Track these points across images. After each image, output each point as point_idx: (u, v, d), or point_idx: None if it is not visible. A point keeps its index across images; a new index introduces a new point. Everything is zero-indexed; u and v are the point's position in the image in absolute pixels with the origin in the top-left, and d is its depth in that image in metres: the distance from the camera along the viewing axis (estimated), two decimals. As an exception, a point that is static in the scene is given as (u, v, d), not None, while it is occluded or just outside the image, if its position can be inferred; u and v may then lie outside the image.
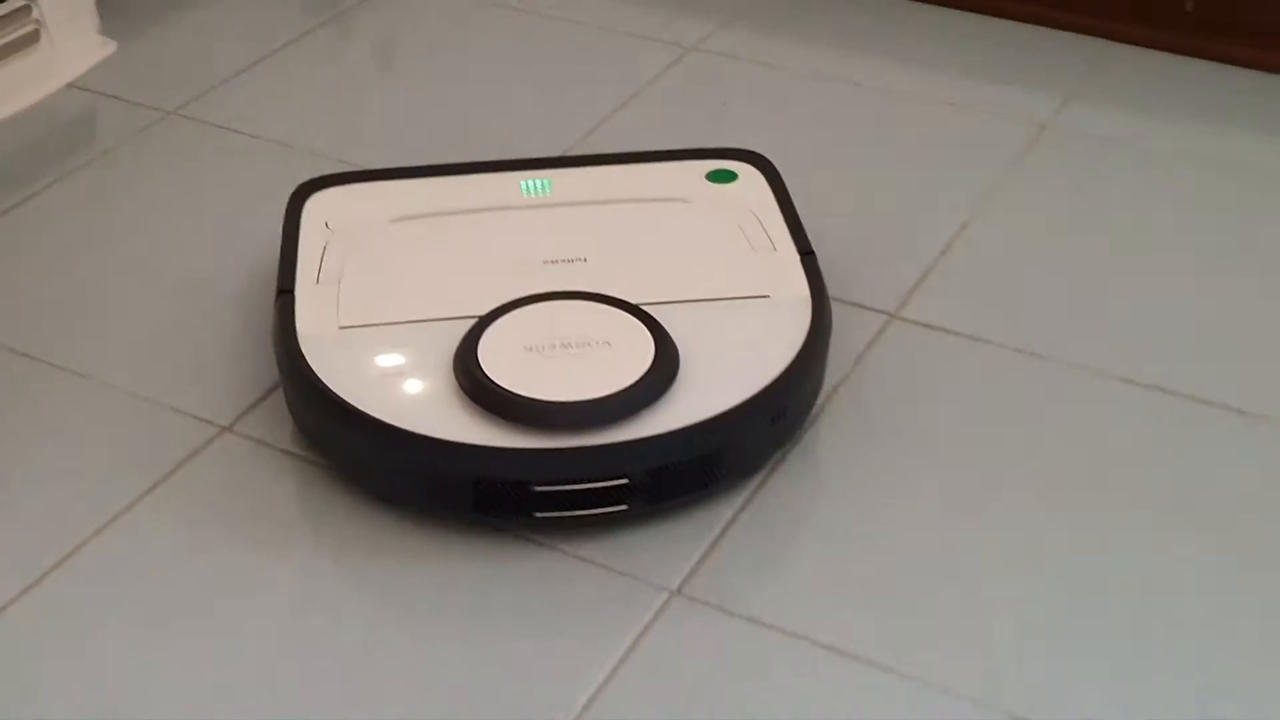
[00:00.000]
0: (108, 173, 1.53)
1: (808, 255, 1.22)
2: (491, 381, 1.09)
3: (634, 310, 1.14)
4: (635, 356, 1.10)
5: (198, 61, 1.69)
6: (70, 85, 1.67)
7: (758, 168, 1.33)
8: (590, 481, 1.07)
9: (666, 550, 1.09)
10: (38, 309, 1.33)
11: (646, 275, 1.19)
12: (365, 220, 1.28)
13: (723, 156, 1.34)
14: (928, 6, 1.76)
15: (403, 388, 1.13)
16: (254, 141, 1.56)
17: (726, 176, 1.31)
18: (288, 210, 1.30)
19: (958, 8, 1.75)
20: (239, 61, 1.69)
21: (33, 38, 1.68)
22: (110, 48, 1.73)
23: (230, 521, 1.11)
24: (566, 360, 1.10)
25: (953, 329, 1.27)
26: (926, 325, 1.28)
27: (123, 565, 1.08)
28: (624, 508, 1.09)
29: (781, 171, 1.33)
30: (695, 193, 1.30)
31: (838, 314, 1.21)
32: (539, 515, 1.09)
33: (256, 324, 1.29)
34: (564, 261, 1.21)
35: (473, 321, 1.15)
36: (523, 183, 1.31)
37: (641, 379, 1.08)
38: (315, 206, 1.30)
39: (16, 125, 1.60)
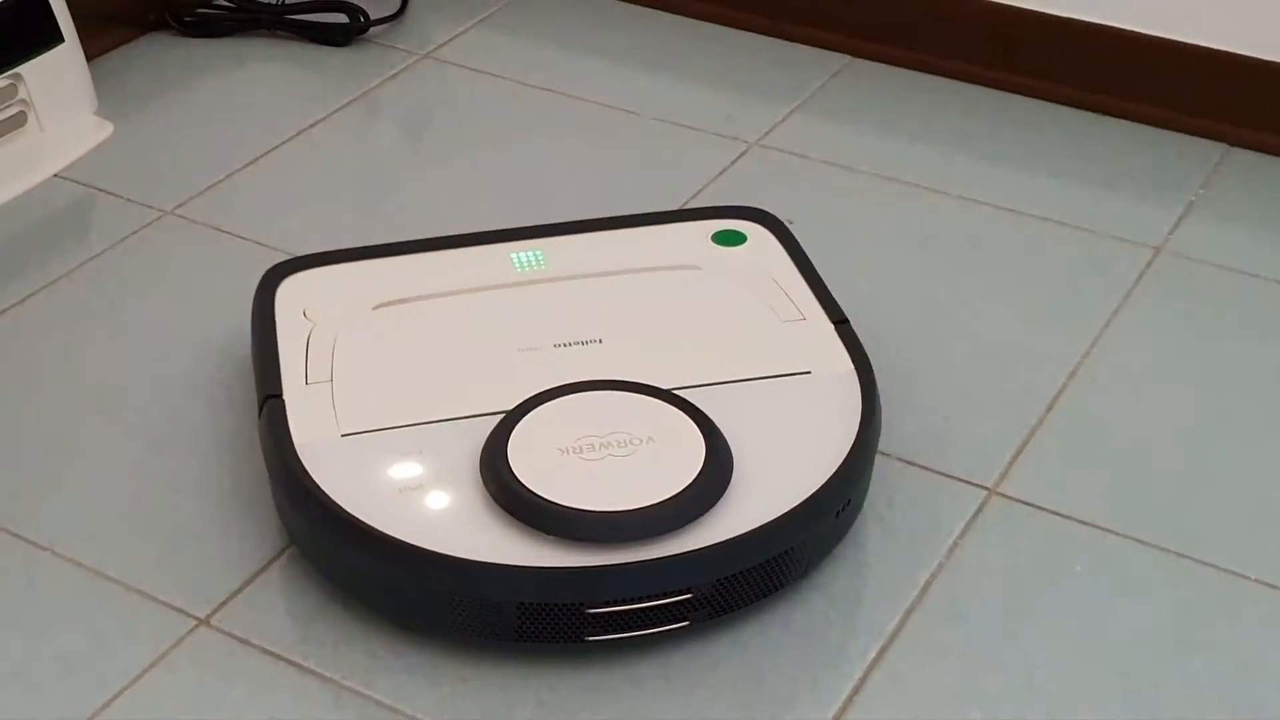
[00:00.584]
0: (89, 285, 1.36)
1: (842, 324, 1.15)
2: (529, 490, 1.00)
3: (672, 399, 1.06)
4: (684, 454, 1.02)
5: (202, 147, 1.51)
6: (60, 175, 1.49)
7: (766, 227, 1.25)
8: (651, 599, 0.98)
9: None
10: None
11: (671, 356, 1.12)
12: (347, 308, 1.17)
13: (726, 215, 1.26)
14: (1025, 100, 1.56)
15: (425, 502, 1.03)
16: (258, 249, 1.38)
17: (734, 239, 1.23)
18: (257, 299, 1.18)
19: (1059, 102, 1.55)
20: (248, 150, 1.52)
21: (19, 120, 1.51)
22: (107, 130, 1.55)
23: None
24: (609, 463, 1.01)
25: (1065, 511, 1.08)
26: (1029, 504, 1.11)
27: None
28: (685, 624, 1.01)
29: (855, 303, 1.19)
30: (703, 258, 1.22)
31: (922, 483, 1.12)
32: (591, 639, 1.00)
33: (247, 485, 1.14)
34: (577, 344, 1.12)
35: (491, 419, 1.05)
36: (514, 255, 1.22)
37: (697, 480, 1.00)
38: (288, 294, 1.19)
39: (15, 214, 1.44)
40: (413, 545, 0.98)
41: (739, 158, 1.51)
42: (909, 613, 1.04)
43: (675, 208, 1.42)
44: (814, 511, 1.02)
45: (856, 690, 0.99)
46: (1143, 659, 1.01)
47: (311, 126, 1.57)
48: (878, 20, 1.65)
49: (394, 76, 1.67)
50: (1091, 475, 1.15)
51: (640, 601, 0.98)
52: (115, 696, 0.99)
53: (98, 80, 1.61)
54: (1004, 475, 1.15)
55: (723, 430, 1.03)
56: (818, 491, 1.02)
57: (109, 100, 1.60)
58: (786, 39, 1.70)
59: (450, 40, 1.73)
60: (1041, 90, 1.59)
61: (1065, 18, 1.55)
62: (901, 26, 1.64)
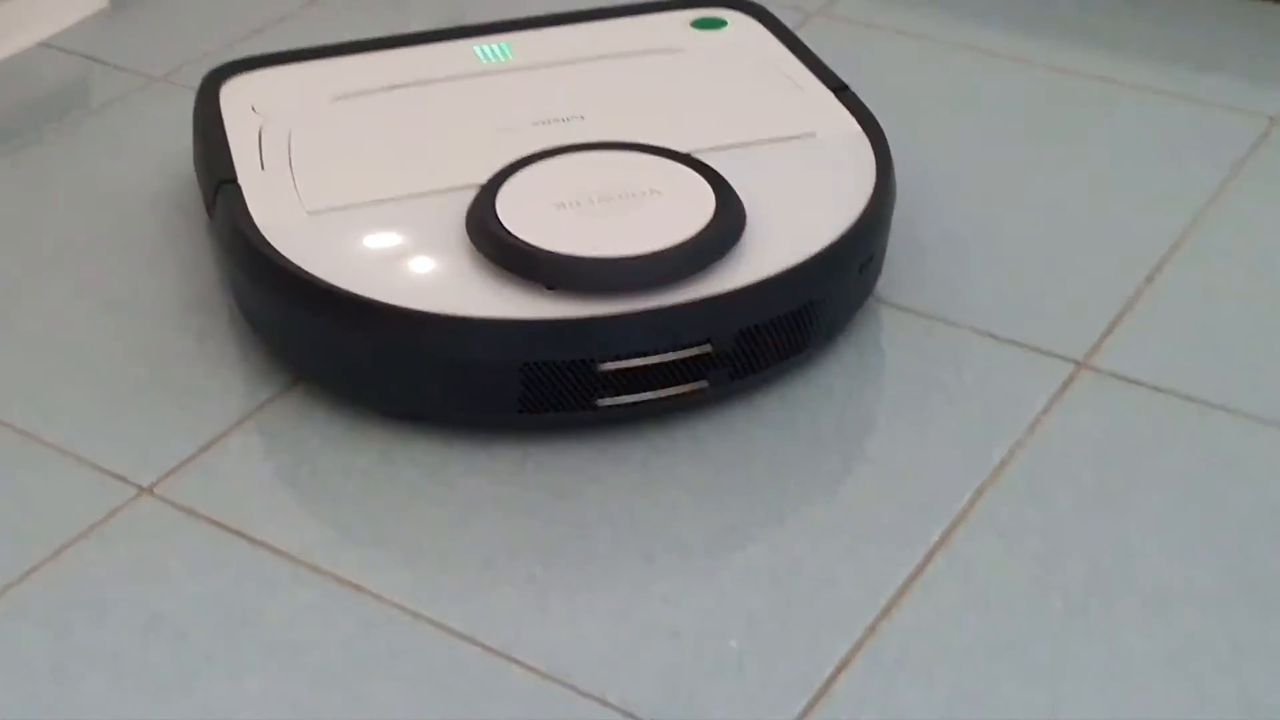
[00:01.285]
0: (61, 148, 1.23)
1: (841, 90, 1.07)
2: (524, 242, 0.90)
3: (672, 154, 0.98)
4: (693, 204, 0.93)
5: (203, 20, 1.39)
6: (48, 44, 1.36)
7: (751, 15, 1.17)
8: (667, 351, 0.89)
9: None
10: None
11: (662, 125, 1.02)
12: (302, 101, 1.09)
13: (706, 4, 1.18)
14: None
15: (409, 268, 0.94)
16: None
17: (715, 24, 1.16)
18: (199, 100, 1.10)
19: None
20: (250, 21, 1.40)
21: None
22: (101, 2, 1.42)
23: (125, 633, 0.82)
24: (612, 214, 0.92)
25: (1166, 386, 0.94)
26: (1125, 378, 0.97)
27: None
28: (704, 384, 0.92)
29: (926, 168, 1.13)
30: (684, 42, 1.14)
31: (999, 355, 1.00)
32: (603, 403, 0.91)
33: (209, 348, 1.01)
34: (558, 121, 1.03)
35: (474, 190, 0.96)
36: (477, 49, 1.13)
37: (709, 225, 0.91)
38: (233, 92, 1.10)
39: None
40: (402, 308, 0.88)
41: (796, 27, 1.34)
42: (979, 492, 0.88)
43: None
44: (834, 261, 0.93)
45: (915, 575, 0.83)
46: (1256, 543, 0.86)
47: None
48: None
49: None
50: (1196, 350, 1.00)
51: (655, 354, 0.88)
52: (35, 567, 0.85)
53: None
54: (1096, 348, 0.99)
55: (743, 194, 0.94)
56: (837, 241, 0.93)
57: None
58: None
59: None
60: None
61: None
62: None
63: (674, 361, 0.89)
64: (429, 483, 0.90)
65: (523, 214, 0.91)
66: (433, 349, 0.89)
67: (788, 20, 1.33)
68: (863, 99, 1.09)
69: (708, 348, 0.89)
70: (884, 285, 1.04)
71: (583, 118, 1.02)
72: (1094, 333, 1.00)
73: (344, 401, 0.95)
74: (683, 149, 0.98)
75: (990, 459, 0.91)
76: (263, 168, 1.00)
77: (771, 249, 0.92)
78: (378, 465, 0.91)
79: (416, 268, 0.93)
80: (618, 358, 0.88)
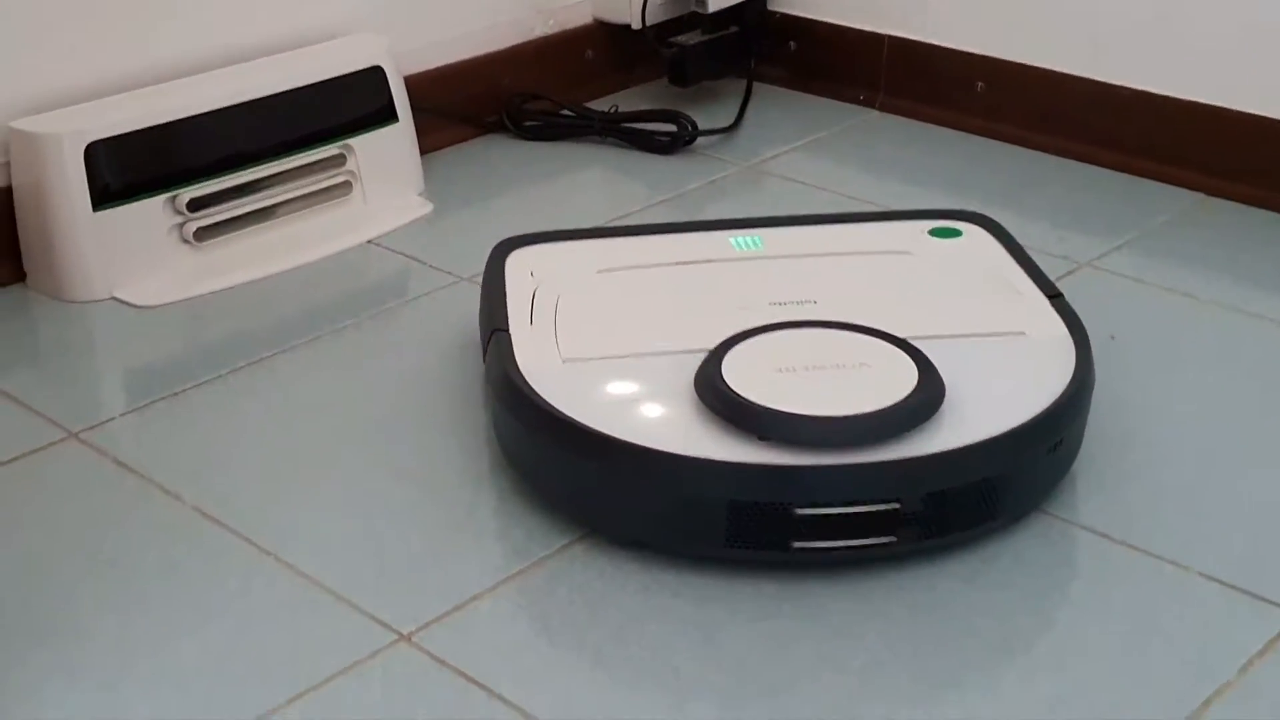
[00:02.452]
0: (373, 333, 1.39)
1: (1056, 297, 1.16)
2: (742, 397, 1.01)
3: (886, 336, 1.07)
4: (897, 377, 1.02)
5: (513, 228, 1.52)
6: (375, 242, 1.52)
7: (983, 227, 1.27)
8: (858, 504, 0.98)
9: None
10: (245, 471, 1.19)
11: (885, 312, 1.11)
12: (572, 270, 1.23)
13: (943, 216, 1.29)
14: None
15: (641, 411, 1.06)
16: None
17: (950, 233, 1.26)
18: (489, 265, 1.26)
19: None
20: None
21: (345, 189, 1.56)
22: (426, 209, 1.60)
23: None
24: (823, 379, 1.02)
25: None
26: None
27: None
28: (892, 539, 1.00)
29: (1171, 419, 1.21)
30: (916, 247, 1.25)
31: (1229, 604, 1.02)
32: (798, 546, 1.00)
33: (475, 519, 1.12)
34: (792, 303, 1.13)
35: (705, 353, 1.07)
36: (733, 239, 1.26)
37: (910, 396, 1.00)
38: (517, 260, 1.26)
39: (325, 270, 1.50)
40: (633, 443, 1.00)
41: (1065, 275, 1.40)
42: (1188, 722, 0.89)
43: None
44: (1024, 438, 1.01)
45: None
46: None
47: (623, 217, 1.56)
48: (1234, 161, 1.53)
49: (712, 182, 1.64)
50: None
51: (847, 505, 0.97)
52: (300, 694, 0.95)
53: (432, 168, 1.66)
54: (1309, 601, 0.99)
55: (952, 376, 1.03)
56: (1029, 421, 1.01)
57: (437, 184, 1.63)
58: (1136, 174, 1.60)
59: (775, 156, 1.70)
60: None
61: None
62: (1258, 167, 1.52)
63: (864, 514, 0.97)
64: (659, 662, 0.97)
65: (743, 373, 1.02)
66: (653, 481, 1.00)
67: (1055, 269, 1.40)
68: (1127, 347, 1.20)
69: (896, 505, 0.96)
70: (1114, 524, 1.07)
71: (815, 302, 1.12)
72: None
73: (593, 572, 1.04)
74: (899, 334, 1.07)
75: (1196, 697, 0.92)
76: (531, 322, 1.14)
77: (966, 424, 0.99)
78: (609, 639, 0.99)
79: (648, 412, 1.04)
80: (813, 505, 0.96)
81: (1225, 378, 1.26)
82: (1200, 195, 1.56)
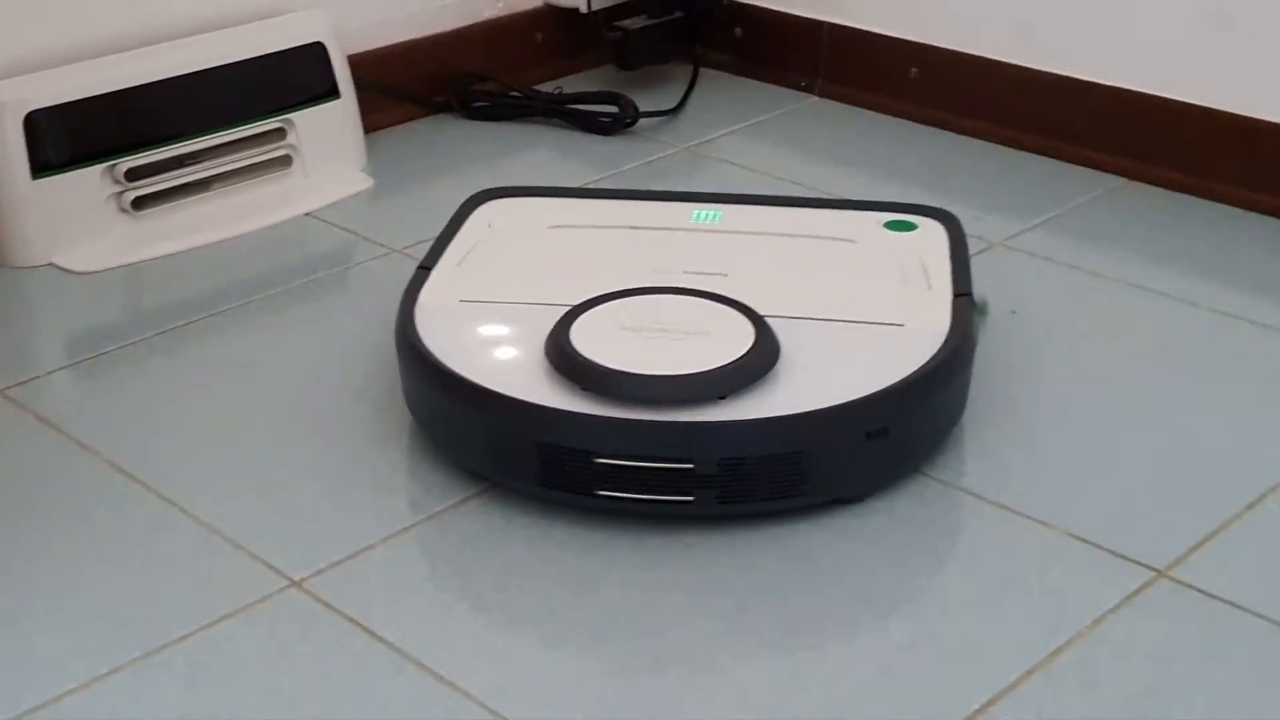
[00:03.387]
0: (301, 300, 1.43)
1: (962, 296, 1.16)
2: (573, 349, 1.06)
3: (746, 310, 1.11)
4: (729, 348, 1.06)
5: (449, 205, 1.56)
6: (312, 215, 1.56)
7: (941, 223, 1.28)
8: (653, 461, 1.02)
9: None
10: (159, 428, 1.23)
11: (780, 292, 1.15)
12: (526, 223, 1.30)
13: (912, 210, 1.30)
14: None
15: (494, 353, 1.14)
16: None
17: (904, 226, 1.27)
18: (457, 211, 1.32)
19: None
20: None
21: (284, 162, 1.59)
22: (366, 184, 1.63)
23: (244, 698, 0.95)
24: (658, 342, 1.07)
25: (1243, 604, 0.97)
26: (1201, 591, 0.99)
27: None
28: (690, 500, 1.04)
29: (1064, 386, 1.23)
30: (866, 236, 1.26)
31: (1085, 558, 1.05)
32: (602, 494, 1.05)
33: (368, 476, 1.16)
34: (703, 274, 1.17)
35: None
36: (696, 211, 1.30)
37: (727, 365, 1.04)
38: (486, 210, 1.33)
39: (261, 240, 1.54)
40: (465, 379, 1.08)
41: (977, 254, 1.43)
42: (1028, 674, 0.92)
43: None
44: (832, 419, 1.03)
45: (946, 736, 0.88)
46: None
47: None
48: (1155, 145, 1.56)
49: (650, 162, 1.68)
50: None
51: (642, 460, 1.01)
52: (190, 633, 1.00)
53: (378, 145, 1.70)
54: (1180, 560, 1.02)
55: (791, 351, 1.07)
56: (838, 405, 1.03)
57: (381, 161, 1.67)
58: (1061, 158, 1.63)
59: (714, 138, 1.73)
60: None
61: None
62: (1179, 151, 1.55)
63: (659, 470, 1.02)
64: (537, 606, 1.01)
65: (592, 329, 1.07)
66: (480, 417, 1.07)
67: (970, 247, 1.43)
68: (1028, 321, 1.23)
69: (690, 466, 1.01)
70: (990, 486, 1.11)
71: (725, 275, 1.16)
72: (1181, 547, 1.03)
73: (484, 525, 1.08)
74: (780, 312, 1.10)
75: (1046, 646, 0.95)
76: (459, 264, 1.22)
77: (779, 400, 1.03)
78: (492, 585, 1.03)
79: (500, 355, 1.12)
80: (612, 455, 1.02)
81: (1119, 350, 1.29)
82: (1122, 179, 1.59)
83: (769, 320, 1.09)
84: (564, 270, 1.20)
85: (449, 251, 1.24)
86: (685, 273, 1.17)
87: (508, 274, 1.21)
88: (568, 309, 1.11)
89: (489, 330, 1.15)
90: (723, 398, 1.03)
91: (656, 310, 1.10)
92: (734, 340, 1.06)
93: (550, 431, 1.03)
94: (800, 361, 1.06)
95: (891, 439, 1.06)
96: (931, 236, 1.25)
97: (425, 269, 1.22)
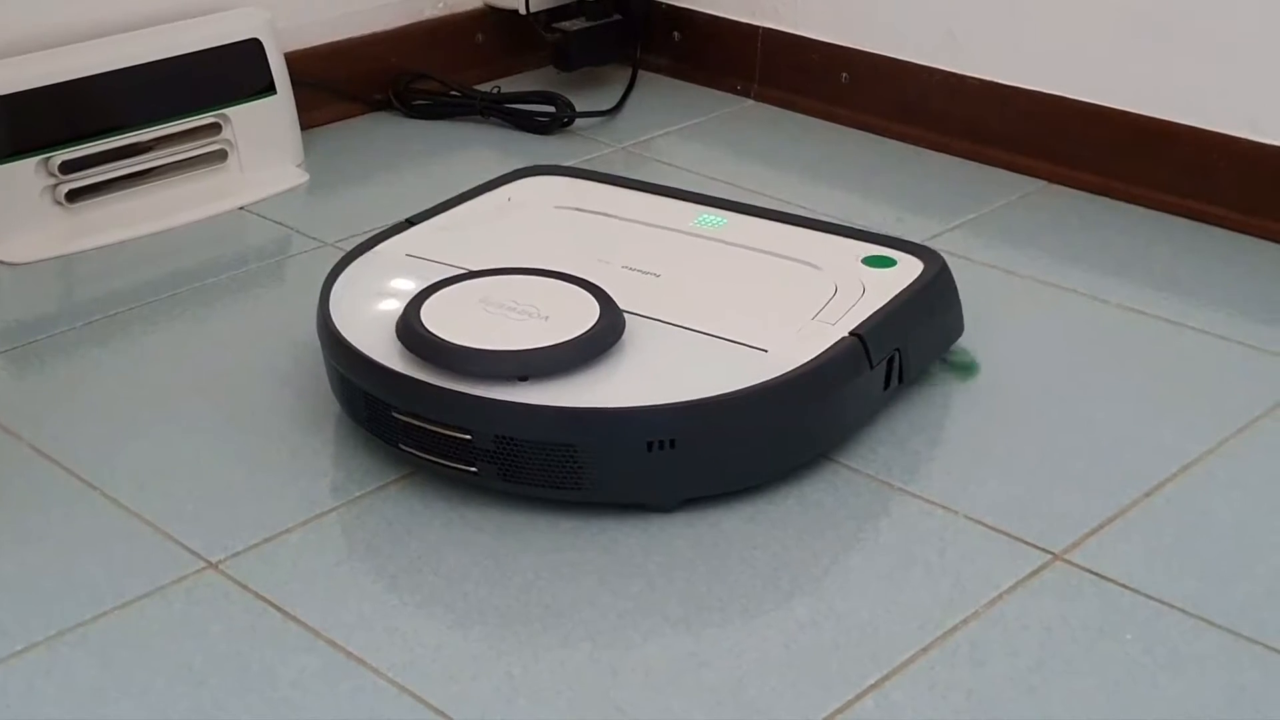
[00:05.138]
0: (234, 291, 1.45)
1: (853, 336, 1.14)
2: (412, 313, 1.13)
3: (607, 305, 1.14)
4: (557, 334, 1.10)
5: (383, 202, 1.61)
6: (247, 209, 1.57)
7: (923, 262, 1.25)
8: (437, 425, 1.08)
9: None
10: (85, 415, 1.24)
11: (683, 299, 1.18)
12: (537, 201, 1.35)
13: (899, 247, 1.28)
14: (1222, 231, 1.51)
15: (376, 303, 1.20)
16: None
17: (883, 262, 1.25)
18: (490, 180, 1.39)
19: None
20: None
21: (219, 156, 1.61)
22: (301, 179, 1.65)
23: (156, 675, 0.96)
24: (497, 318, 1.12)
25: (1133, 585, 1.00)
26: (1094, 573, 1.02)
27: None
28: (474, 470, 1.09)
29: (979, 380, 1.26)
30: (835, 264, 1.25)
31: (983, 541, 1.07)
32: (404, 449, 1.12)
33: (288, 463, 1.18)
34: (638, 271, 1.22)
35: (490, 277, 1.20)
36: (704, 215, 1.33)
37: (533, 349, 1.08)
38: (517, 185, 1.39)
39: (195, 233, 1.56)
40: (330, 321, 1.18)
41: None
42: (924, 650, 0.95)
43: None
44: (608, 421, 1.06)
45: (840, 710, 0.90)
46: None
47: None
48: (1076, 149, 1.60)
49: (586, 160, 1.70)
50: (1173, 560, 1.06)
51: (428, 422, 1.09)
52: (105, 613, 1.01)
53: (316, 141, 1.72)
54: (1076, 545, 1.05)
55: (635, 355, 1.10)
56: (624, 409, 1.06)
57: (318, 157, 1.69)
58: (986, 162, 1.67)
59: (649, 139, 1.76)
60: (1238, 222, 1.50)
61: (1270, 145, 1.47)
62: (1099, 155, 1.58)
63: (444, 436, 1.08)
64: (450, 588, 1.03)
65: (451, 298, 1.15)
66: (332, 356, 1.17)
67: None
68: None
69: (468, 437, 1.06)
70: (898, 473, 1.14)
71: (658, 276, 1.21)
72: (1078, 532, 1.06)
73: (403, 509, 1.10)
74: (660, 316, 1.14)
75: (941, 624, 0.98)
76: (444, 227, 1.29)
77: (573, 393, 1.07)
78: (407, 567, 1.05)
79: (380, 305, 1.19)
80: (407, 414, 1.09)
81: (1028, 344, 1.32)
82: (1042, 182, 1.63)
83: (639, 319, 1.12)
84: (515, 245, 1.25)
85: (446, 214, 1.31)
86: (623, 267, 1.21)
87: (468, 240, 1.27)
88: (452, 276, 1.18)
89: (391, 283, 1.21)
90: (524, 379, 1.06)
91: (522, 292, 1.14)
92: (568, 329, 1.09)
93: (367, 381, 1.12)
94: (636, 362, 1.09)
95: (679, 452, 1.05)
96: (899, 275, 1.22)
97: (409, 223, 1.30)
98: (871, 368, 1.13)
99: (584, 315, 1.11)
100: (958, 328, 1.27)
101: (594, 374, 1.08)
